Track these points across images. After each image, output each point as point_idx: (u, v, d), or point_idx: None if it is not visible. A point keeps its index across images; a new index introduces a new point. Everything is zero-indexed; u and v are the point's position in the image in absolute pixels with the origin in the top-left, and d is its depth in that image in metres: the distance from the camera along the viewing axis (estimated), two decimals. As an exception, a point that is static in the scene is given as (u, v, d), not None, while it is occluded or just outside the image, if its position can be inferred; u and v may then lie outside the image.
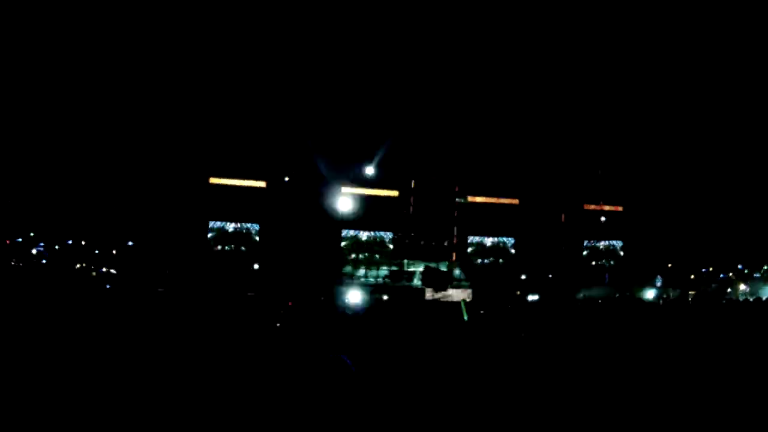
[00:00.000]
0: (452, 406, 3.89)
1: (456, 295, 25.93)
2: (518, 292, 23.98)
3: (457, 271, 26.70)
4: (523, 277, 25.52)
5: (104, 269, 31.71)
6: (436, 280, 24.15)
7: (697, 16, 23.87)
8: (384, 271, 26.46)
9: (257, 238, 27.55)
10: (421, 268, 25.69)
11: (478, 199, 26.95)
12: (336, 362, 3.22)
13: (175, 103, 27.36)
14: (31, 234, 31.81)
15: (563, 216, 26.81)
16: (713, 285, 29.75)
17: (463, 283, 26.05)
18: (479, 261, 26.98)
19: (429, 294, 25.87)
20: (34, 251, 31.69)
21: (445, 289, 24.33)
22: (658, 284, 27.68)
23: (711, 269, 29.74)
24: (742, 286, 29.73)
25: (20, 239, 31.34)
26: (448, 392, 4.06)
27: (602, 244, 27.22)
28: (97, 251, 33.00)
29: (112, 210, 29.95)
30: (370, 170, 24.16)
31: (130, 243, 32.02)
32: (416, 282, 26.09)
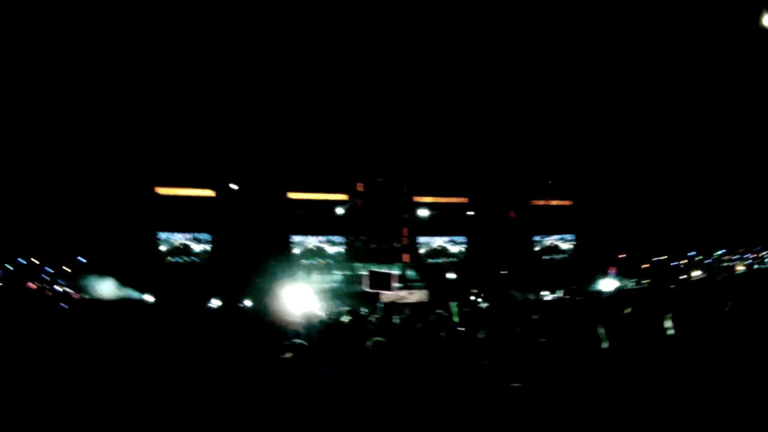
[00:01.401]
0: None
1: (411, 296, 25.85)
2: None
3: (410, 272, 26.56)
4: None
5: (58, 287, 31.07)
6: (381, 282, 23.91)
7: (636, 12, 24.14)
8: (337, 276, 26.22)
9: (209, 248, 27.12)
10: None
11: (427, 199, 26.86)
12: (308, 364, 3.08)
13: (119, 115, 26.90)
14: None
15: (512, 212, 26.90)
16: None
17: (417, 284, 25.91)
18: (431, 261, 26.88)
19: (385, 297, 25.69)
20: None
21: (390, 290, 24.08)
22: (612, 275, 27.95)
23: (664, 258, 30.11)
24: (696, 272, 30.21)
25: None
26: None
27: (553, 238, 27.37)
28: (50, 269, 32.31)
29: (60, 226, 29.39)
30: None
31: (81, 259, 31.40)
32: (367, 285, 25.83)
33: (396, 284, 26.79)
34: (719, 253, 31.39)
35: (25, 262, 31.69)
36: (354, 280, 26.44)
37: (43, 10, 22.17)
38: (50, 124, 26.18)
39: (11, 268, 31.45)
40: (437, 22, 24.51)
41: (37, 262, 31.96)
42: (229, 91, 24.74)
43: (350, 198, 26.06)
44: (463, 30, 24.77)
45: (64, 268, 31.88)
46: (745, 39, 21.88)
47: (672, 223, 28.94)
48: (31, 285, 30.40)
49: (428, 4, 24.54)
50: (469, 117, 25.51)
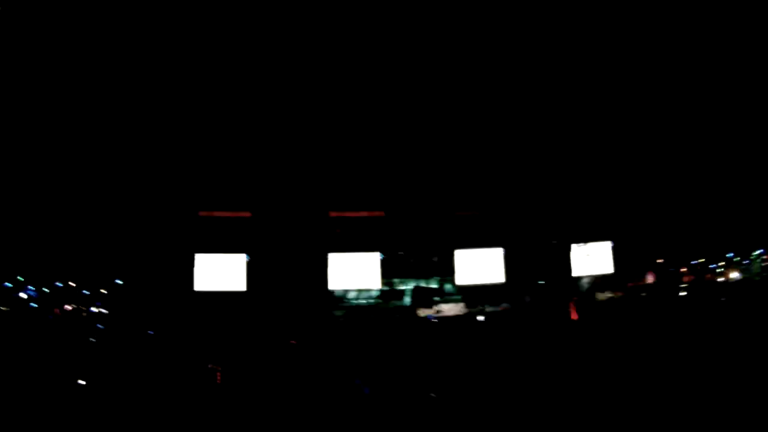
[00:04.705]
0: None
1: (448, 310, 26.00)
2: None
3: (448, 286, 26.68)
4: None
5: (95, 309, 31.53)
6: (419, 296, 24.65)
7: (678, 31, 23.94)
8: (375, 291, 26.34)
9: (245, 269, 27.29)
10: (411, 287, 25.80)
11: (465, 213, 26.89)
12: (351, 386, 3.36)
13: (156, 137, 27.24)
14: (20, 278, 31.46)
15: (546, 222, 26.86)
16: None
17: (454, 297, 26.10)
18: (469, 274, 26.89)
19: (422, 311, 25.89)
20: (23, 295, 31.30)
21: (431, 306, 24.66)
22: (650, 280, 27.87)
23: (702, 260, 29.90)
24: (734, 274, 30.09)
25: (9, 284, 31.00)
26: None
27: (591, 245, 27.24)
28: (86, 291, 32.73)
29: (100, 249, 29.81)
30: None
31: (119, 281, 31.77)
32: (407, 300, 26.12)
33: (434, 298, 26.92)
34: (757, 253, 31.13)
35: (61, 285, 32.15)
36: (392, 295, 26.61)
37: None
38: (94, 149, 26.49)
39: (47, 290, 31.93)
40: (460, 43, 24.47)
41: (74, 285, 32.38)
42: (266, 111, 24.94)
43: (388, 214, 26.25)
44: (487, 50, 24.73)
45: (101, 291, 32.34)
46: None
47: (708, 225, 28.72)
48: (68, 307, 30.90)
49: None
50: (505, 131, 25.54)
